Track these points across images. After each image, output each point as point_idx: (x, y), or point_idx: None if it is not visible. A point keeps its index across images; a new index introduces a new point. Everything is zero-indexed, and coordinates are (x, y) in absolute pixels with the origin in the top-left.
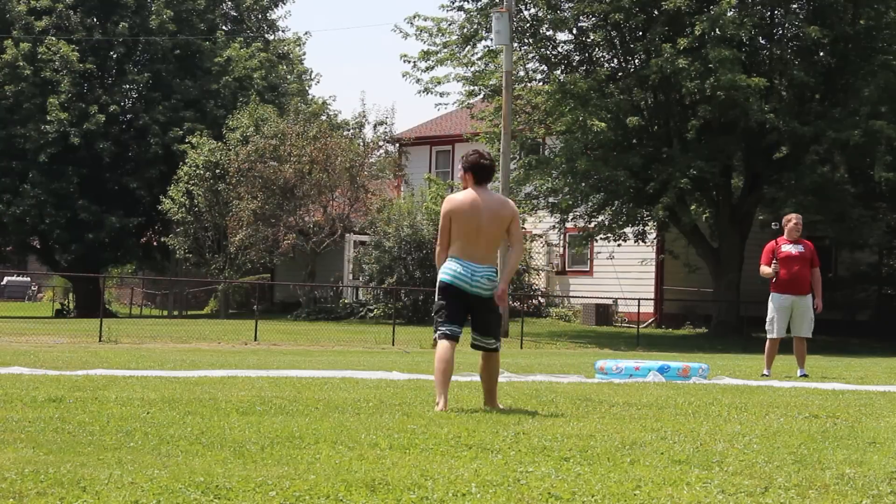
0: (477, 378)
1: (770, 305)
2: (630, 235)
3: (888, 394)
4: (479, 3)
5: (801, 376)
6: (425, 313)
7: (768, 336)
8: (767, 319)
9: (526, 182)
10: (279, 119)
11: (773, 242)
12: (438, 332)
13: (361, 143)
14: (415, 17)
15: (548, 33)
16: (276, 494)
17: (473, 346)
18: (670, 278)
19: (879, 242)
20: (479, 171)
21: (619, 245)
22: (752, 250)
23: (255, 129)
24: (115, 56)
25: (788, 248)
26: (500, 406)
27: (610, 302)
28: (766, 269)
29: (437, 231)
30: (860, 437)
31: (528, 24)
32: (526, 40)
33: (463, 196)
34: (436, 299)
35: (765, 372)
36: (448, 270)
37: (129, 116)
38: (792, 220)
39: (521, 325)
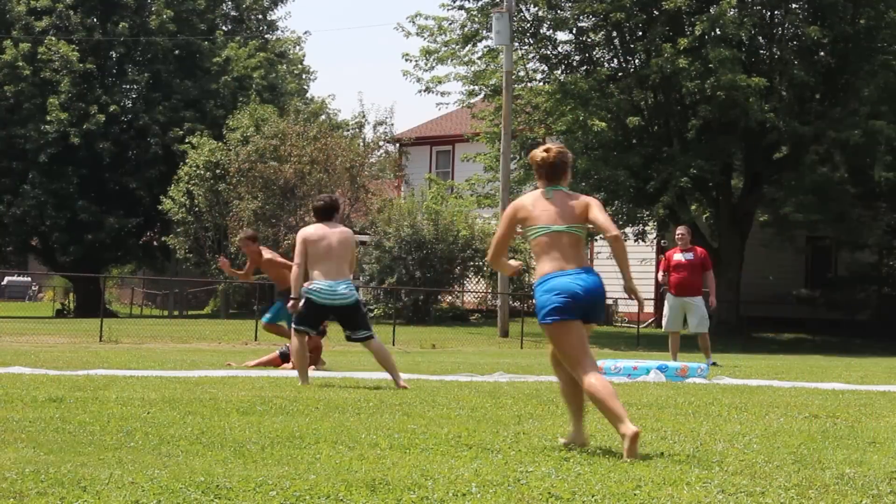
0: (477, 378)
1: (665, 304)
2: (630, 235)
3: (888, 394)
4: (480, 3)
5: (710, 364)
6: (426, 313)
7: (665, 329)
8: (663, 315)
9: (526, 182)
10: (279, 119)
11: (670, 251)
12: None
13: (361, 143)
14: (416, 16)
15: (548, 33)
16: (276, 494)
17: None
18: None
19: (879, 242)
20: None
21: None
22: (753, 250)
23: (256, 129)
24: (115, 56)
25: (679, 257)
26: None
27: (610, 302)
28: (659, 277)
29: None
30: (860, 437)
31: (528, 24)
32: (526, 40)
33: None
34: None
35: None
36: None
37: (129, 116)
38: (678, 232)
39: (521, 325)
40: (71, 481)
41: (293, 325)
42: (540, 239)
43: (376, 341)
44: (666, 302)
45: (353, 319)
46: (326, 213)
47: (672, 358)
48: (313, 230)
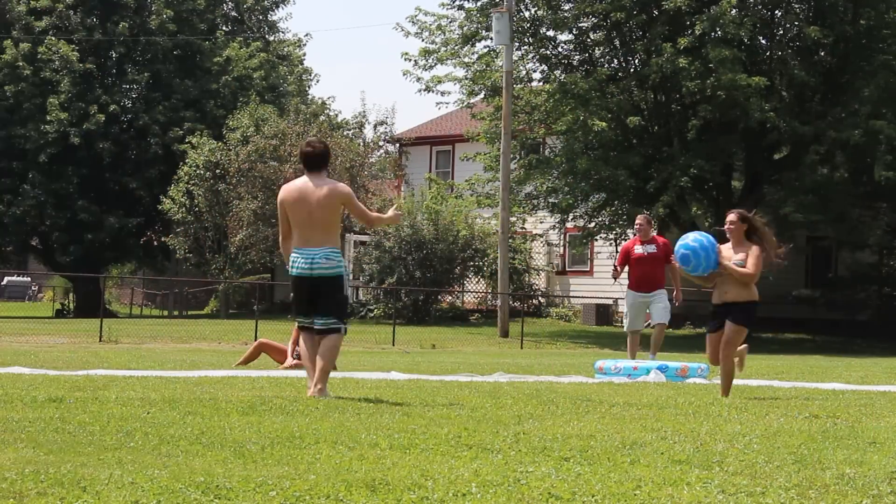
0: (477, 378)
1: (626, 302)
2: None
3: (888, 394)
4: (480, 3)
5: (655, 366)
6: (425, 313)
7: (625, 329)
8: (624, 314)
9: (526, 182)
10: (279, 119)
11: (629, 242)
12: None
13: (361, 143)
14: (416, 15)
15: (548, 33)
16: (276, 494)
17: None
18: (670, 278)
19: (880, 242)
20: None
21: (619, 245)
22: None
23: (256, 129)
24: (114, 56)
25: (640, 250)
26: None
27: (610, 302)
28: (614, 272)
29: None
30: (860, 437)
31: (528, 24)
32: (526, 40)
33: None
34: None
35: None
36: None
37: (129, 116)
38: (637, 221)
39: (521, 325)
40: (71, 481)
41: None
42: None
43: (335, 338)
44: (626, 299)
45: (327, 300)
46: (314, 163)
47: (630, 357)
48: (291, 190)
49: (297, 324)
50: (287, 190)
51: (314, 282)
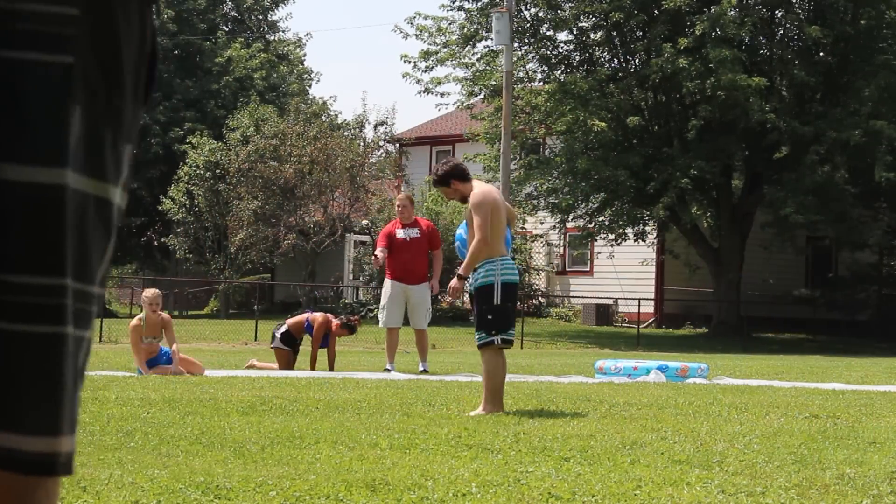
0: (477, 378)
1: (383, 291)
2: (630, 235)
3: (888, 394)
4: (480, 3)
5: (421, 371)
6: None
7: (382, 325)
8: (380, 306)
9: (526, 182)
10: (279, 119)
11: (391, 224)
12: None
13: (362, 144)
14: (415, 17)
15: (548, 33)
16: (276, 494)
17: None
18: (670, 278)
19: (880, 242)
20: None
21: (619, 245)
22: (753, 250)
23: (256, 129)
24: None
25: (402, 235)
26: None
27: (610, 302)
28: (378, 254)
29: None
30: (860, 437)
31: (528, 24)
32: (526, 40)
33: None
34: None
35: (387, 367)
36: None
37: None
38: (398, 199)
39: (522, 325)
40: (70, 481)
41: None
42: None
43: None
44: (384, 290)
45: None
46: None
47: (388, 362)
48: (498, 195)
49: (503, 340)
50: (496, 194)
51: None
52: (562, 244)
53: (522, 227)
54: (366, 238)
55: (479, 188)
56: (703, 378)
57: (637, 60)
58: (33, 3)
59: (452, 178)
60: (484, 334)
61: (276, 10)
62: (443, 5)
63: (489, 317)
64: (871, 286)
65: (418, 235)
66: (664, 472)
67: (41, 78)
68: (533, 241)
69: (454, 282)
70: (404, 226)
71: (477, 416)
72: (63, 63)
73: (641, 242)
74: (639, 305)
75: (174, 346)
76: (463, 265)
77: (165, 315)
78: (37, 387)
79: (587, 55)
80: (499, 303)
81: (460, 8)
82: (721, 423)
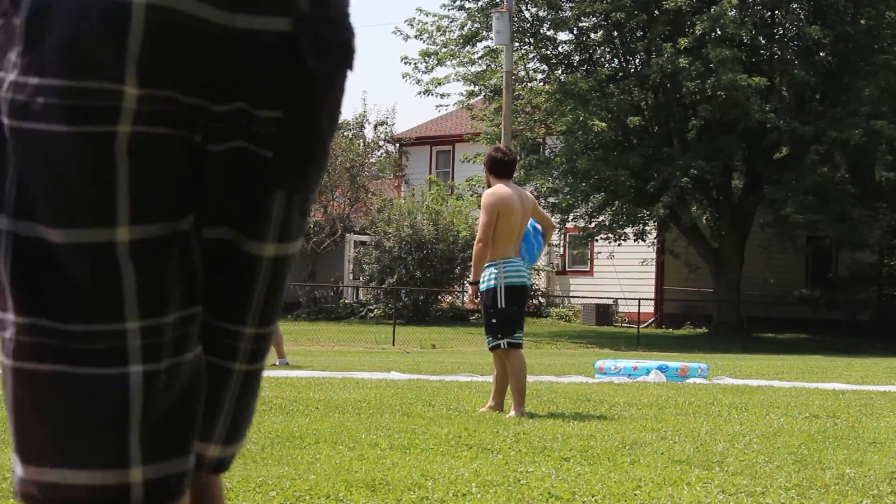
0: (477, 378)
1: None
2: (630, 235)
3: (888, 394)
4: (480, 3)
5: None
6: (426, 314)
7: None
8: None
9: (526, 182)
10: None
11: None
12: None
13: (362, 144)
14: (415, 17)
15: (548, 33)
16: (276, 494)
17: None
18: (670, 278)
19: (880, 242)
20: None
21: (619, 245)
22: (753, 250)
23: None
24: None
25: None
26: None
27: (610, 302)
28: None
29: (437, 231)
30: (861, 437)
31: (528, 24)
32: (526, 40)
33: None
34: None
35: (276, 362)
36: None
37: None
38: None
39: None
40: None
41: (508, 340)
42: None
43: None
44: None
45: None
46: (511, 169)
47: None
48: (510, 197)
49: (509, 343)
50: (506, 195)
51: (527, 292)
52: (562, 244)
53: None
54: (365, 238)
55: (495, 188)
56: (703, 378)
57: (637, 60)
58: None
59: (487, 165)
60: (490, 338)
61: None
62: (443, 4)
63: (493, 321)
64: (871, 286)
65: None
66: (664, 472)
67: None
68: None
69: (470, 289)
70: None
71: (510, 417)
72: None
73: (641, 242)
74: (639, 305)
75: None
76: (472, 271)
77: None
78: (231, 410)
79: (587, 55)
80: (502, 306)
81: (461, 7)
82: (721, 423)
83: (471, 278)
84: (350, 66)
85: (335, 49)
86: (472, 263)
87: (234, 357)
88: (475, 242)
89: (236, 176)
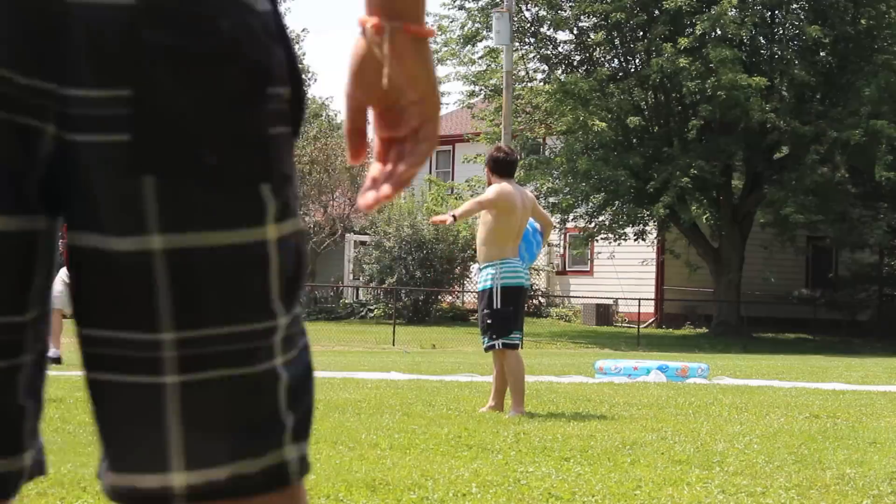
0: (477, 378)
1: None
2: (630, 235)
3: (889, 394)
4: (480, 3)
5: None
6: (426, 314)
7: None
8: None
9: (526, 182)
10: None
11: None
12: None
13: None
14: None
15: (548, 33)
16: None
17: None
18: (671, 278)
19: (880, 242)
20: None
21: (619, 245)
22: (753, 250)
23: None
24: None
25: None
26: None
27: (610, 302)
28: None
29: (437, 231)
30: (861, 437)
31: (528, 24)
32: (527, 40)
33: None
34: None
35: (50, 354)
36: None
37: None
38: None
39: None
40: (71, 481)
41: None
42: None
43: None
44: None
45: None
46: (513, 169)
47: (54, 347)
48: (513, 196)
49: (504, 344)
50: (510, 194)
51: (525, 293)
52: (562, 244)
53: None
54: (365, 238)
55: (500, 186)
56: (703, 378)
57: (637, 60)
58: None
59: (489, 164)
60: (486, 339)
61: None
62: (444, 4)
63: (489, 321)
64: (871, 286)
65: None
66: (664, 472)
67: None
68: None
69: (444, 215)
70: None
71: (510, 416)
72: None
73: (641, 242)
74: (639, 305)
75: None
76: (459, 209)
77: None
78: (181, 430)
79: (587, 55)
80: (498, 307)
81: (461, 7)
82: (721, 423)
83: (455, 212)
84: (221, 38)
85: (187, 21)
86: (463, 207)
87: (157, 371)
88: (473, 202)
89: (99, 165)
